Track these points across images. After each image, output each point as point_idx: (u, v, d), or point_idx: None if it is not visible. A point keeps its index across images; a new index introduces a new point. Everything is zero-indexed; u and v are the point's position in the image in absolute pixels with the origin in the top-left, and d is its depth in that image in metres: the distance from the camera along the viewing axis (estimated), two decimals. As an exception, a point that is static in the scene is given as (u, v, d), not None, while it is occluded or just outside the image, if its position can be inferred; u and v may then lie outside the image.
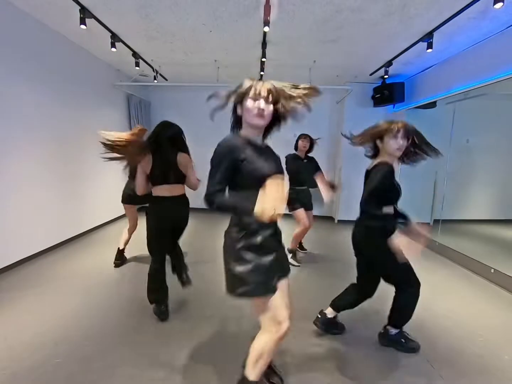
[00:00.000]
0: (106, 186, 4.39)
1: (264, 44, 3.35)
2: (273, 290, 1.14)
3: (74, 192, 3.67)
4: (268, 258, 1.13)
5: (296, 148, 3.21)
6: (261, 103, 1.09)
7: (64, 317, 2.05)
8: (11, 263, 2.80)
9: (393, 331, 1.84)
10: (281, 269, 1.24)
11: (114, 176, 4.61)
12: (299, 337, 1.88)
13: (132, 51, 3.72)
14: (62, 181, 3.45)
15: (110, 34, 3.18)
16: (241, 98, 1.13)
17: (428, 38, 2.98)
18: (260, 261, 1.11)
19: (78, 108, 3.72)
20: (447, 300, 2.51)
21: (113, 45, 3.26)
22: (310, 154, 3.28)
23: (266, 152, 1.22)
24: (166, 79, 5.12)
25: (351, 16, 2.71)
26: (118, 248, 2.98)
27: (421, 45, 3.21)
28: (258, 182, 1.02)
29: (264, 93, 1.09)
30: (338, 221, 5.34)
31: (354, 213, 5.75)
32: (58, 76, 3.32)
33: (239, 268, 1.10)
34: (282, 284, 1.23)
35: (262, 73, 4.31)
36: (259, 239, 1.12)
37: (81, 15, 2.65)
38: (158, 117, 5.76)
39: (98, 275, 2.74)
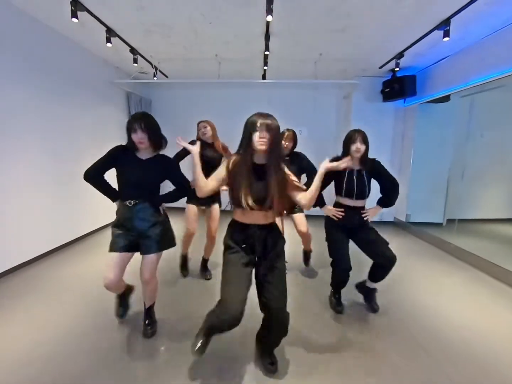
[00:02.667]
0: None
1: (267, 36, 3.16)
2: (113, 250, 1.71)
3: (71, 194, 3.55)
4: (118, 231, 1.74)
5: None
6: None
7: (56, 329, 1.92)
8: (2, 271, 2.68)
9: (371, 284, 2.21)
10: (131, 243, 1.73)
11: (113, 177, 4.49)
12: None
13: (129, 46, 3.57)
14: (58, 183, 3.32)
15: (105, 28, 3.03)
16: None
17: (444, 25, 2.75)
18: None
19: (75, 106, 3.59)
20: (464, 307, 2.32)
21: (108, 40, 3.11)
22: (299, 150, 2.72)
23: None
24: (167, 76, 4.97)
25: (359, 2, 2.51)
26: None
27: (436, 34, 2.99)
28: None
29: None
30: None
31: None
32: (52, 73, 3.18)
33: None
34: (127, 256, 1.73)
35: (265, 67, 4.12)
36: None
37: (73, 8, 2.50)
38: (160, 116, 5.61)
39: (94, 283, 2.61)
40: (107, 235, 4.00)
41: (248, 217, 1.42)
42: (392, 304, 2.35)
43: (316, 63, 4.02)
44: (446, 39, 2.82)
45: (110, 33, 3.08)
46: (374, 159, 2.09)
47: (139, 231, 1.72)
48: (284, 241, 1.52)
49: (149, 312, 1.92)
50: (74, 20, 2.56)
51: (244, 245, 1.43)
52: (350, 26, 2.96)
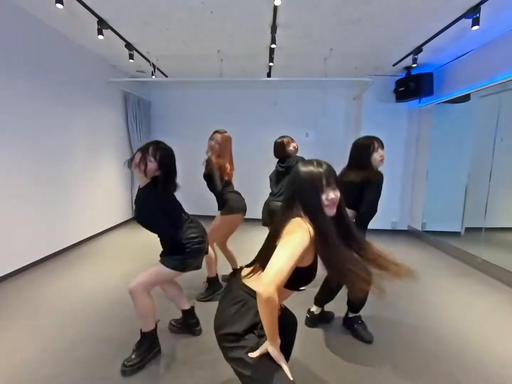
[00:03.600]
0: (96, 192, 3.96)
1: (274, 28, 2.88)
2: None
3: (58, 200, 3.25)
4: None
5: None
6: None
7: (21, 364, 1.60)
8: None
9: (351, 314, 1.96)
10: None
11: (106, 182, 4.20)
12: None
13: (124, 41, 3.30)
14: (43, 189, 3.02)
15: (97, 19, 2.76)
16: None
17: (473, 13, 2.45)
18: None
19: (67, 106, 3.31)
20: (509, 337, 1.97)
21: (100, 32, 2.83)
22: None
23: None
24: (166, 76, 4.70)
25: (381, -15, 2.22)
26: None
27: (463, 24, 2.68)
28: None
29: None
30: (356, 229, 4.81)
31: (374, 221, 5.12)
32: (41, 69, 2.91)
33: None
34: None
35: (271, 64, 3.83)
36: None
37: (57, -8, 2.24)
38: (159, 117, 5.36)
39: (78, 304, 2.28)
40: (98, 245, 3.76)
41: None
42: (422, 331, 2.00)
43: (326, 60, 3.73)
44: (476, 27, 2.51)
45: (102, 24, 2.81)
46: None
47: None
48: None
49: (141, 340, 1.61)
50: (59, 6, 2.29)
51: None
52: (368, 15, 2.66)
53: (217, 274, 2.43)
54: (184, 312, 1.85)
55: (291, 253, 0.85)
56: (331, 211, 0.97)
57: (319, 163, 0.99)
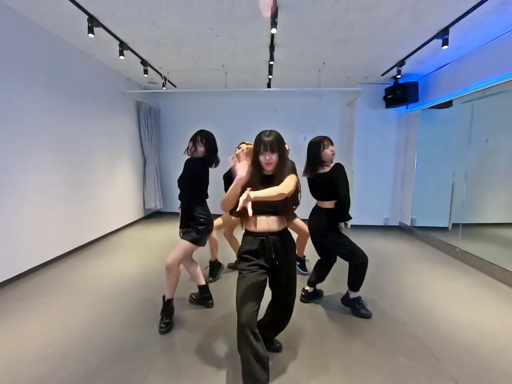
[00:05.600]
0: (115, 193, 4.41)
1: (272, 47, 3.30)
2: None
3: (83, 200, 3.69)
4: None
5: None
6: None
7: (70, 328, 2.02)
8: (22, 271, 2.81)
9: (352, 295, 2.25)
10: None
11: (122, 183, 4.64)
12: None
13: (140, 58, 3.74)
14: (72, 189, 3.47)
15: (119, 42, 3.21)
16: None
17: (443, 34, 2.85)
18: None
19: (88, 116, 3.76)
20: (471, 310, 2.34)
21: (121, 53, 3.28)
22: None
23: None
24: (175, 86, 5.14)
25: (361, 14, 2.63)
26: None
27: (436, 42, 3.08)
28: None
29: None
30: (351, 226, 5.19)
31: (367, 218, 5.55)
32: (68, 85, 3.37)
33: None
34: None
35: (270, 76, 4.26)
36: None
37: (89, 24, 2.67)
38: (168, 124, 5.81)
39: (108, 285, 2.71)
40: (118, 239, 4.22)
41: (260, 225, 1.50)
42: (398, 307, 2.39)
43: (320, 71, 4.15)
44: (445, 47, 2.91)
45: (123, 46, 3.26)
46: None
47: None
48: (295, 246, 1.63)
49: (165, 306, 2.03)
50: (91, 35, 2.73)
51: (257, 256, 1.49)
52: (353, 37, 3.08)
53: (217, 258, 2.88)
54: (200, 287, 2.27)
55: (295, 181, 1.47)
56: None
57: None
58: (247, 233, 1.55)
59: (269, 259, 1.49)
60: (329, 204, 2.13)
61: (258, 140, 1.48)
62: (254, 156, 1.51)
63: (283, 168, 1.51)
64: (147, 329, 2.01)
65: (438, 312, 2.30)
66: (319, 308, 2.36)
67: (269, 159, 1.45)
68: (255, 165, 1.50)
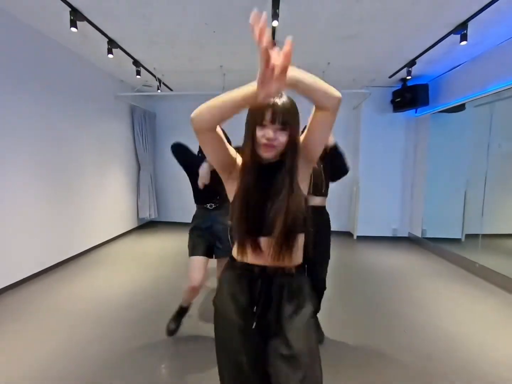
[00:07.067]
0: (104, 202, 4.10)
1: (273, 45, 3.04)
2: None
3: (67, 208, 3.38)
4: None
5: None
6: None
7: (43, 359, 1.69)
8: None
9: None
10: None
11: (114, 192, 4.34)
12: None
13: (132, 58, 3.49)
14: (54, 195, 3.17)
15: (107, 39, 2.95)
16: None
17: (461, 29, 2.59)
18: None
19: (77, 119, 3.49)
20: (506, 340, 2.02)
21: (110, 51, 3.02)
22: None
23: None
24: (171, 89, 4.90)
25: (373, 5, 2.37)
26: None
27: (452, 39, 2.83)
28: None
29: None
30: (357, 237, 4.87)
31: (374, 229, 5.18)
32: (55, 85, 3.09)
33: None
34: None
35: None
36: None
37: (72, 17, 2.42)
38: (164, 129, 5.54)
39: (88, 308, 2.38)
40: (107, 251, 3.88)
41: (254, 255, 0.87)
42: (416, 333, 2.06)
43: (324, 72, 3.89)
44: (464, 43, 2.66)
45: (112, 44, 3.00)
46: None
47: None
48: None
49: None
50: (73, 29, 2.48)
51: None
52: (362, 32, 2.82)
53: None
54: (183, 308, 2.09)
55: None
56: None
57: None
58: (232, 265, 0.93)
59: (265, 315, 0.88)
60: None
61: (261, 105, 0.78)
62: (247, 133, 0.86)
63: (295, 158, 0.84)
64: (131, 367, 1.68)
65: (467, 343, 1.97)
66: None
67: (273, 138, 0.81)
68: (249, 148, 0.84)
